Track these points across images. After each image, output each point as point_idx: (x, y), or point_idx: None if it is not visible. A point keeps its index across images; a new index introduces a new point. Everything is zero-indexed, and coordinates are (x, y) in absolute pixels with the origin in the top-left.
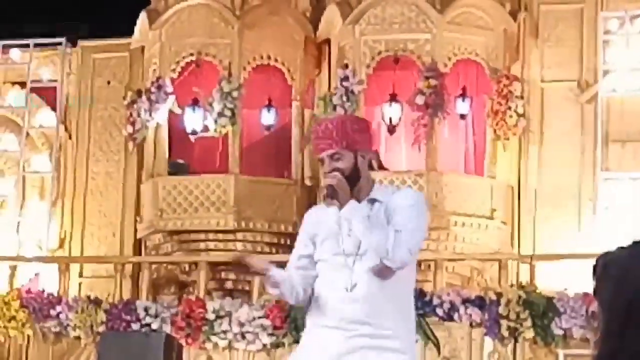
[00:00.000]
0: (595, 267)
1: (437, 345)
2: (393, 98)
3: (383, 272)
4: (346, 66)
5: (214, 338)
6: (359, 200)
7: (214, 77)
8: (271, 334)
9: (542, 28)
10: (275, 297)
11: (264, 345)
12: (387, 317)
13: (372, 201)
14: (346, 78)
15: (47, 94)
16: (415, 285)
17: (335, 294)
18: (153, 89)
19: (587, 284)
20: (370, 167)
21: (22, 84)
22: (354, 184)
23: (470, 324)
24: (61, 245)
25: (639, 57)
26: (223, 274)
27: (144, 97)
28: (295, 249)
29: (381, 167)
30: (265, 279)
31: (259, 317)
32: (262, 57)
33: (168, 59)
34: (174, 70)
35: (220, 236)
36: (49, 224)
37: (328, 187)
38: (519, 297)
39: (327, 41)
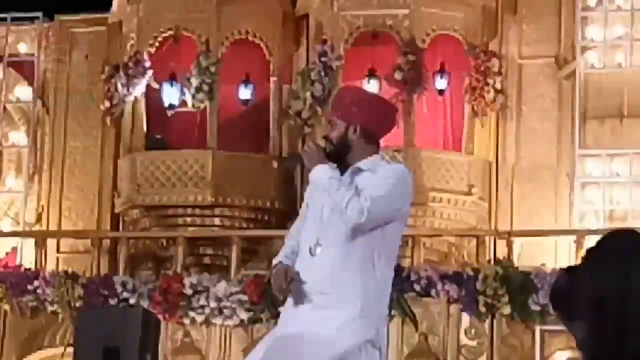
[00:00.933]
0: (559, 290)
1: (415, 321)
2: (371, 74)
3: (347, 237)
4: (324, 42)
5: (191, 313)
6: (344, 167)
7: (192, 52)
8: (248, 310)
9: (520, 4)
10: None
11: (242, 321)
12: (347, 290)
13: (357, 170)
14: (324, 53)
15: (24, 69)
16: (394, 261)
17: (302, 265)
18: (131, 64)
19: (565, 260)
20: (372, 142)
21: None
22: (345, 153)
23: (448, 300)
24: (38, 220)
25: (617, 33)
26: (201, 250)
27: (121, 72)
28: (298, 218)
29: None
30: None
31: (237, 293)
32: (240, 32)
33: (146, 33)
34: (151, 45)
35: (198, 211)
36: (26, 199)
37: (299, 154)
38: (496, 273)
39: (306, 16)
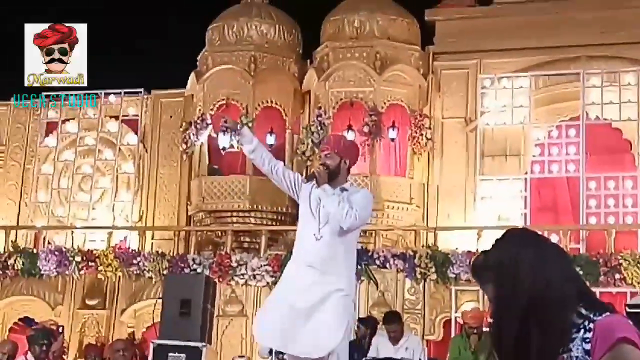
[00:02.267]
0: (477, 264)
1: (376, 283)
2: (349, 127)
3: (339, 231)
4: (320, 107)
5: (236, 278)
6: (333, 187)
7: (237, 113)
8: (272, 276)
9: (443, 84)
10: (251, 158)
11: (267, 283)
12: (337, 263)
13: (342, 189)
14: (320, 115)
15: (131, 124)
16: (357, 247)
17: (307, 245)
18: (198, 121)
19: (470, 245)
20: (348, 172)
21: (116, 117)
22: (334, 177)
23: (397, 270)
24: (140, 219)
25: (503, 103)
26: (242, 238)
27: (192, 126)
28: (291, 172)
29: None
30: (238, 134)
31: (264, 265)
32: (267, 101)
33: (208, 102)
34: (211, 109)
35: (240, 214)
36: (132, 206)
37: (313, 172)
38: (427, 253)
39: (308, 91)
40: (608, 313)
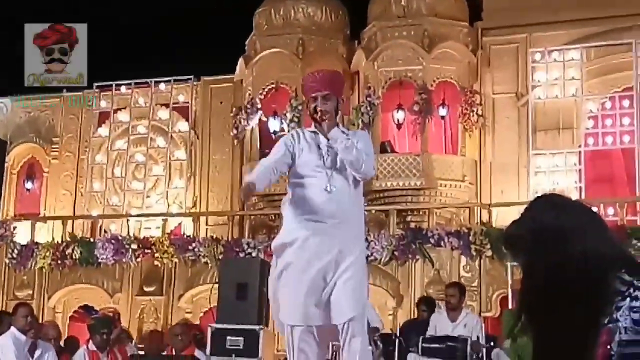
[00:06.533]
0: (513, 239)
1: (432, 262)
2: (399, 107)
3: (351, 180)
4: (369, 87)
5: None
6: (329, 130)
7: (286, 97)
8: None
9: (492, 60)
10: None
11: None
12: (352, 216)
13: (342, 132)
14: (369, 95)
15: (182, 111)
16: (412, 226)
17: (318, 195)
18: (248, 106)
19: None
20: (337, 111)
21: (167, 105)
22: (335, 117)
23: (451, 248)
24: (194, 205)
25: (554, 76)
26: None
27: (243, 111)
28: (276, 153)
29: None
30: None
31: None
32: None
33: (257, 86)
34: (261, 93)
35: None
36: (186, 192)
37: (325, 113)
38: (482, 230)
39: (357, 72)
40: None
